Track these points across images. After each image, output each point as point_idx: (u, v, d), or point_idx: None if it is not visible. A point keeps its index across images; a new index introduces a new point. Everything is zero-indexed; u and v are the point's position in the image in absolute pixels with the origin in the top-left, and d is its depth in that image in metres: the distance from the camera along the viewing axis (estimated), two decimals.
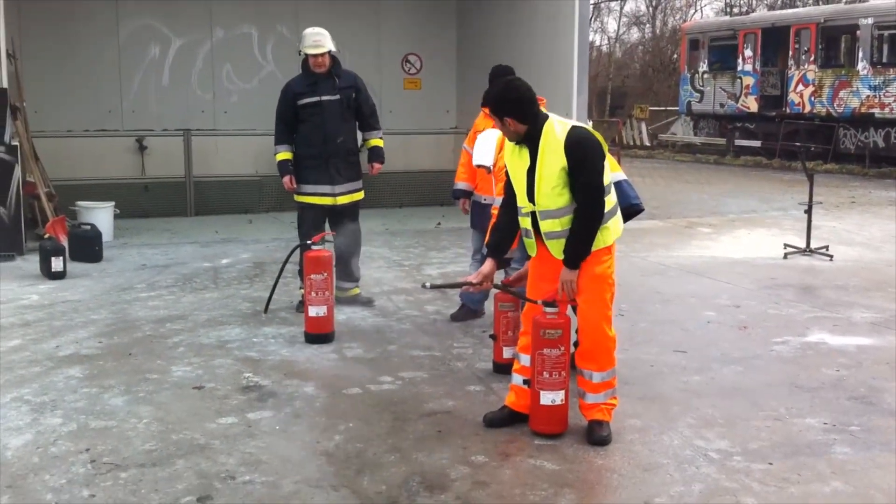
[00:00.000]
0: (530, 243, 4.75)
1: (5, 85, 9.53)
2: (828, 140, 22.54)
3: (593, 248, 4.54)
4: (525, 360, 4.79)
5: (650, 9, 43.18)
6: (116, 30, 13.53)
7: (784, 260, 9.76)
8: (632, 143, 29.25)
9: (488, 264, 4.86)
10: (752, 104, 24.77)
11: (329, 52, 7.08)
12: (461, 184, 6.94)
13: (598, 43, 43.11)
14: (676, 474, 4.27)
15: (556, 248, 4.60)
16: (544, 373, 4.61)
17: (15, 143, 9.48)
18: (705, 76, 26.32)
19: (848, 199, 15.73)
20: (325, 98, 7.11)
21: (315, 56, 7.04)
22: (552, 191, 4.48)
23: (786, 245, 10.10)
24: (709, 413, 5.07)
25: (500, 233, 4.92)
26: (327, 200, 7.21)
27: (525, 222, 4.70)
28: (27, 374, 5.61)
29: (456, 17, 15.15)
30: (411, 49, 15.01)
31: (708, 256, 10.06)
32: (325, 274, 6.40)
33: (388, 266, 9.20)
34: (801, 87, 23.27)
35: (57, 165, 11.37)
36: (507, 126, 4.55)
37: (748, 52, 24.83)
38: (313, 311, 6.37)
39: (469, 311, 6.97)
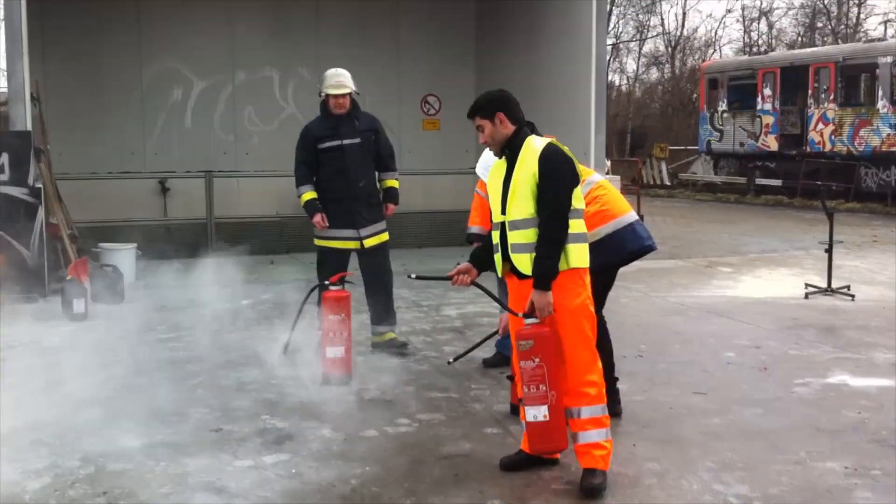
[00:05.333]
0: (497, 259, 4.74)
1: (29, 128, 9.68)
2: (849, 178, 22.45)
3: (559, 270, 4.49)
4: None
5: (669, 49, 43.36)
6: (140, 72, 13.75)
7: (805, 300, 9.69)
8: (652, 182, 29.25)
9: (466, 264, 4.90)
10: (772, 143, 24.73)
11: (350, 92, 7.11)
12: (475, 227, 6.93)
13: (617, 83, 43.32)
14: None
15: (521, 263, 4.58)
16: (524, 387, 4.58)
17: (38, 185, 9.60)
18: (724, 115, 26.33)
19: (870, 238, 15.63)
20: (346, 142, 7.13)
21: (337, 97, 7.06)
22: (521, 200, 4.52)
23: (807, 285, 10.04)
24: (728, 456, 5.02)
25: (484, 250, 4.93)
26: (352, 244, 7.22)
27: (495, 236, 4.72)
28: (47, 416, 5.62)
29: (474, 58, 15.29)
30: (430, 90, 15.15)
31: (728, 296, 10.02)
32: (343, 315, 6.40)
33: (406, 306, 9.20)
34: (821, 125, 23.23)
35: (80, 207, 11.48)
36: (497, 126, 4.63)
37: (767, 91, 24.84)
38: (331, 353, 6.37)
39: (503, 357, 6.86)
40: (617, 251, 5.53)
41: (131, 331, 8.06)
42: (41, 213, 9.55)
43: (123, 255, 10.61)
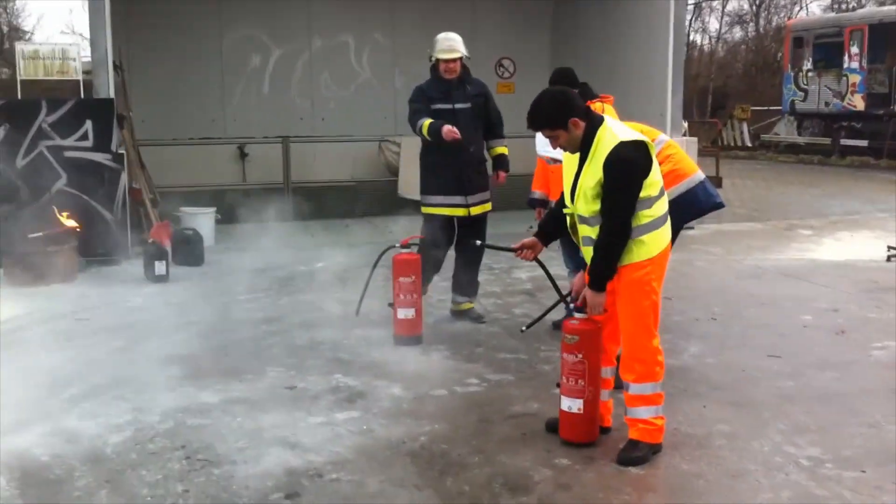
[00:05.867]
0: (577, 240, 4.65)
1: (112, 96, 9.92)
2: None
3: (628, 262, 4.36)
4: None
5: (753, 7, 42.22)
6: (220, 40, 13.99)
7: (887, 262, 9.43)
8: (732, 143, 28.63)
9: (531, 239, 4.84)
10: (858, 102, 23.98)
11: (461, 57, 6.93)
12: (537, 192, 6.89)
13: (699, 43, 42.39)
14: (765, 481, 4.21)
15: (589, 255, 4.49)
16: (563, 377, 4.59)
17: (121, 151, 9.85)
18: (809, 74, 25.60)
19: None
20: (458, 106, 6.92)
21: (447, 61, 6.87)
22: (587, 199, 4.37)
23: (889, 247, 9.76)
24: (801, 419, 4.97)
25: (552, 217, 4.89)
26: (460, 211, 6.99)
27: (569, 219, 4.62)
28: (128, 373, 5.83)
29: (550, 20, 15.14)
30: (505, 53, 15.06)
31: (807, 259, 9.81)
32: (413, 277, 6.47)
33: None
34: None
35: (162, 172, 11.76)
36: (571, 132, 4.37)
37: (854, 50, 24.05)
38: (402, 314, 6.46)
39: None
40: (691, 208, 5.56)
41: (210, 292, 8.28)
42: (124, 178, 9.80)
43: (203, 219, 10.84)
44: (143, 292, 8.28)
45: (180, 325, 7.05)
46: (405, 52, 14.40)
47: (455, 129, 6.69)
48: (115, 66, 10.32)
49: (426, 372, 5.87)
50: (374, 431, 4.84)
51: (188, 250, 9.65)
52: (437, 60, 6.92)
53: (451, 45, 6.89)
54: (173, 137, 13.17)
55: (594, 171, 4.32)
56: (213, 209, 11.20)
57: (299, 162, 13.49)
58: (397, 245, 6.64)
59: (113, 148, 9.71)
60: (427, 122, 6.81)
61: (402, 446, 4.64)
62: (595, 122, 4.41)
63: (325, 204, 13.12)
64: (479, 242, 5.76)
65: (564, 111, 4.37)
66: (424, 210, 7.10)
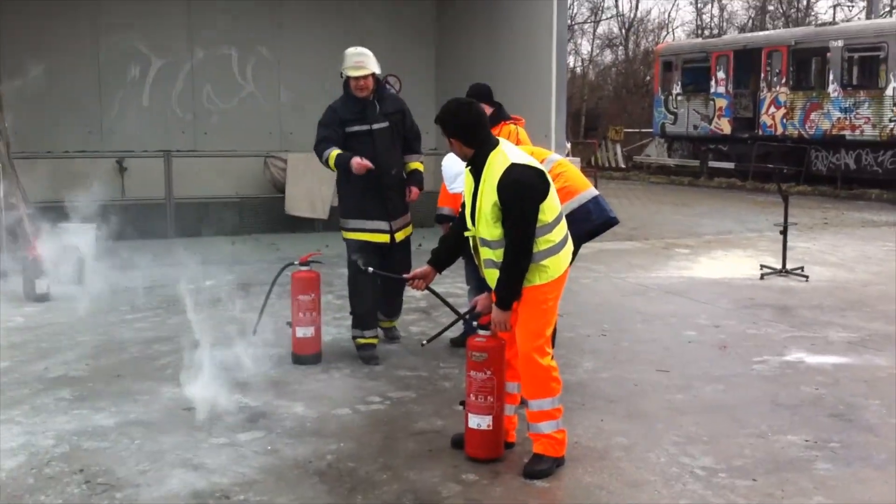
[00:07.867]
0: (478, 262, 4.72)
1: None
2: (800, 162, 22.83)
3: (529, 285, 4.46)
4: None
5: (623, 31, 43.67)
6: (97, 50, 13.57)
7: (761, 280, 9.91)
8: (607, 164, 29.51)
9: (424, 268, 4.90)
10: (725, 126, 25.06)
11: (373, 74, 6.53)
12: (444, 208, 6.85)
13: (572, 65, 43.51)
14: (664, 491, 4.37)
15: (491, 278, 4.56)
16: (471, 395, 4.65)
17: None
18: (679, 98, 26.62)
19: (821, 221, 15.97)
20: (375, 126, 6.50)
21: (357, 79, 6.44)
22: (486, 222, 4.45)
23: (762, 266, 10.26)
24: (693, 430, 5.18)
25: (445, 244, 4.94)
26: (383, 237, 6.58)
27: (470, 241, 4.70)
28: (17, 395, 5.63)
29: (434, 38, 15.30)
30: (390, 71, 15.12)
31: (686, 277, 10.21)
32: (313, 295, 6.45)
33: None
34: (773, 109, 23.58)
35: (37, 186, 11.33)
36: (453, 146, 4.56)
37: (721, 74, 25.15)
38: (300, 332, 6.43)
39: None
40: (584, 224, 5.55)
41: (96, 311, 8.03)
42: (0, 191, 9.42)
43: (83, 236, 10.47)
44: (25, 312, 7.98)
45: (67, 346, 6.85)
46: (290, 66, 14.30)
47: (365, 160, 6.31)
48: None
49: (327, 391, 5.86)
50: (280, 451, 4.81)
51: (68, 268, 9.31)
52: (347, 77, 6.52)
53: (359, 61, 6.46)
54: (48, 150, 12.72)
55: (489, 194, 4.41)
56: (93, 225, 10.84)
57: (181, 177, 13.19)
58: (296, 263, 6.59)
59: None
60: (333, 153, 6.38)
61: (309, 465, 4.63)
62: (490, 144, 4.50)
63: (210, 220, 12.88)
64: (370, 270, 5.72)
65: (451, 129, 4.53)
66: (348, 236, 6.64)
